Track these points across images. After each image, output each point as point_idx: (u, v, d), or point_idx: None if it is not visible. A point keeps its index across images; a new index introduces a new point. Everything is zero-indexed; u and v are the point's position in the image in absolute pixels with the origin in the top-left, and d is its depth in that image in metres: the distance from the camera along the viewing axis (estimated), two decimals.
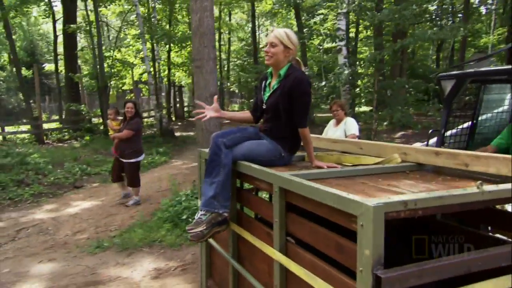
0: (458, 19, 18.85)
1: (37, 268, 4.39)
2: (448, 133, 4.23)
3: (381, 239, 1.33)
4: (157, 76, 16.00)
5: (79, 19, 18.66)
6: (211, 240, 3.03)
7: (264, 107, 2.62)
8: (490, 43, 20.71)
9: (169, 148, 12.86)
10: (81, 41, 21.86)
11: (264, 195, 4.02)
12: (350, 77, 8.80)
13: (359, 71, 9.15)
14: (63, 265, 4.43)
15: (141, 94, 20.81)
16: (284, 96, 2.46)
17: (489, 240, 2.08)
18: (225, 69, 30.45)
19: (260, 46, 26.46)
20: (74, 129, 15.07)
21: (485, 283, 1.56)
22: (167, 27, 18.93)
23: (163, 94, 15.58)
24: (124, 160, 6.60)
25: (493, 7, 20.75)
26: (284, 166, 2.55)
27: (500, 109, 4.80)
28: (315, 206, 1.73)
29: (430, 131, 4.41)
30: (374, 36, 13.49)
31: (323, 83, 9.61)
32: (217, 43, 27.69)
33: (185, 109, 22.63)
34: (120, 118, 7.17)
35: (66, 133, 14.99)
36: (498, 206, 2.44)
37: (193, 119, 2.73)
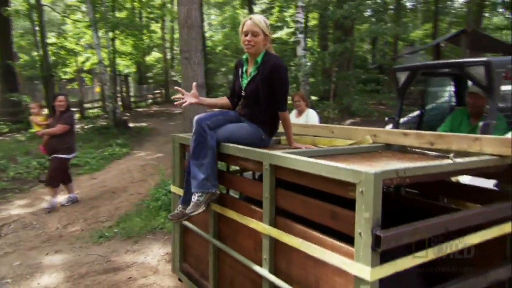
0: (391, 12, 20.08)
1: (47, 260, 4.37)
2: (401, 120, 4.59)
3: (379, 204, 1.51)
4: (103, 64, 15.32)
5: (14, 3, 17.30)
6: (187, 223, 3.09)
7: (243, 94, 2.70)
8: (418, 37, 22.40)
9: (127, 139, 12.60)
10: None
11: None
12: (313, 69, 9.20)
13: (318, 63, 9.59)
14: (73, 256, 4.44)
15: (84, 84, 19.89)
16: (263, 82, 2.55)
17: (448, 210, 2.36)
18: (169, 58, 29.77)
19: (206, 34, 26.17)
20: (14, 121, 14.05)
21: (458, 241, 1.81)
22: (111, 13, 18.16)
23: (107, 84, 14.87)
24: (53, 155, 6.10)
25: (419, 5, 22.49)
26: (265, 148, 2.68)
27: (443, 100, 5.29)
28: (308, 179, 1.88)
29: (386, 118, 4.76)
30: (320, 28, 14.12)
31: None
32: (160, 31, 27.10)
33: (132, 99, 21.89)
34: (45, 112, 6.66)
35: (4, 126, 13.92)
36: (453, 179, 2.75)
37: (177, 103, 2.75)
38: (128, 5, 20.42)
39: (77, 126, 14.33)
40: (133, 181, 7.70)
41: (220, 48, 27.41)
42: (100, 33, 15.95)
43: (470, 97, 3.85)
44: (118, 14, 18.66)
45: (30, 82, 19.15)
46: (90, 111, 17.88)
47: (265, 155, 2.15)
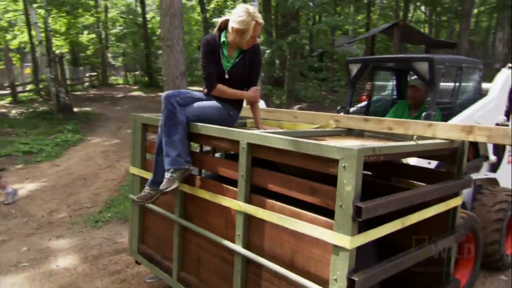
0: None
1: (54, 244, 4.28)
2: (351, 110, 4.87)
3: (360, 178, 1.65)
4: (35, 44, 14.19)
5: None
6: (148, 205, 3.06)
7: (226, 76, 2.72)
8: (351, 27, 23.72)
9: (76, 125, 11.93)
10: None
11: None
12: (270, 57, 9.45)
13: (276, 52, 9.85)
14: (78, 240, 4.40)
15: (12, 64, 18.31)
16: (249, 65, 2.72)
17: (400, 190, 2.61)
18: (103, 38, 28.31)
19: (147, 16, 25.20)
20: None
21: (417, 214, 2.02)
22: None
23: (49, 66, 13.77)
24: None
25: None
26: (233, 126, 2.74)
27: (386, 93, 5.67)
28: (288, 157, 1.98)
29: (338, 107, 5.01)
30: (275, 19, 14.46)
31: None
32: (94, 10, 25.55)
33: (68, 82, 20.50)
34: None
35: None
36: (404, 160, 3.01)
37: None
38: None
39: (13, 112, 13.32)
40: (100, 167, 7.54)
41: (159, 31, 26.51)
42: (32, 9, 14.77)
43: (411, 90, 4.19)
44: None
45: None
46: (22, 94, 16.54)
47: (242, 134, 2.22)
